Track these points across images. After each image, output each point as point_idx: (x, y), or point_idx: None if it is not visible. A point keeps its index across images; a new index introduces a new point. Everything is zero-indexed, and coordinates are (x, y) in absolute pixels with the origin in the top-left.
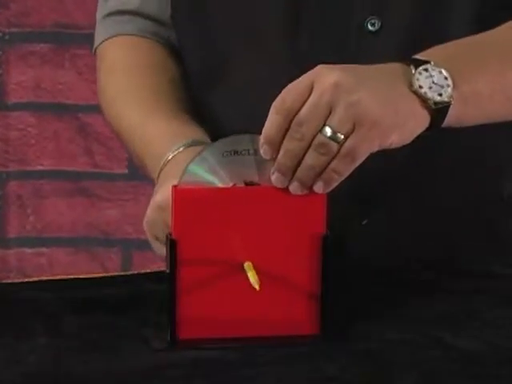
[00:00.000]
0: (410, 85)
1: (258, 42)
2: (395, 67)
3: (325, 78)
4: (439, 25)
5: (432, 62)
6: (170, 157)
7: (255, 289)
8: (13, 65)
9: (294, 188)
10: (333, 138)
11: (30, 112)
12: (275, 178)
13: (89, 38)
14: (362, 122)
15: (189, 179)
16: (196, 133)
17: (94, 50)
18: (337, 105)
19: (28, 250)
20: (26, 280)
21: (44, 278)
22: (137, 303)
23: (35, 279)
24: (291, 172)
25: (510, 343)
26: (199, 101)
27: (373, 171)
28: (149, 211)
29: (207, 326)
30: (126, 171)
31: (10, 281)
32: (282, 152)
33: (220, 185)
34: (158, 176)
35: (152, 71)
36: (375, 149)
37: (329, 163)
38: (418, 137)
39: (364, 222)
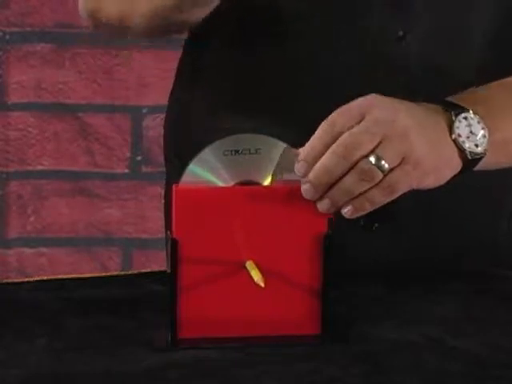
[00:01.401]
0: (451, 132)
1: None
2: (437, 110)
3: (380, 108)
4: (464, 33)
5: (471, 111)
6: None
7: (256, 288)
8: (13, 65)
9: (323, 206)
10: (378, 166)
11: (31, 112)
12: (305, 190)
13: (90, 38)
14: (409, 158)
15: (189, 179)
16: None
17: None
18: (390, 137)
19: (28, 250)
20: (26, 280)
21: (44, 277)
22: (137, 303)
23: (35, 279)
24: (323, 188)
25: (511, 344)
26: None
27: None
28: None
29: (208, 325)
30: (127, 171)
31: (10, 280)
32: (319, 166)
33: (221, 184)
34: None
35: None
36: (412, 187)
37: (365, 191)
38: None
39: (375, 227)
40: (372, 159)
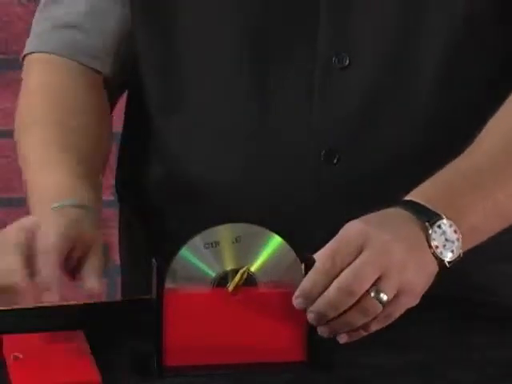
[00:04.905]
0: (429, 246)
1: (220, 76)
2: (413, 221)
3: (376, 240)
4: (411, 59)
5: (443, 215)
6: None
7: (242, 315)
8: None
9: (321, 331)
10: (378, 299)
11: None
12: (311, 319)
13: None
14: (405, 289)
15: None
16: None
17: (22, 57)
18: (389, 269)
19: None
20: (10, 308)
21: (29, 305)
22: (122, 330)
23: (19, 307)
24: (328, 319)
25: (497, 370)
26: (155, 127)
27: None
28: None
29: (194, 352)
30: (112, 198)
31: None
32: (324, 301)
33: (210, 271)
34: (34, 207)
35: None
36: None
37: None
38: None
39: None
40: (372, 293)
